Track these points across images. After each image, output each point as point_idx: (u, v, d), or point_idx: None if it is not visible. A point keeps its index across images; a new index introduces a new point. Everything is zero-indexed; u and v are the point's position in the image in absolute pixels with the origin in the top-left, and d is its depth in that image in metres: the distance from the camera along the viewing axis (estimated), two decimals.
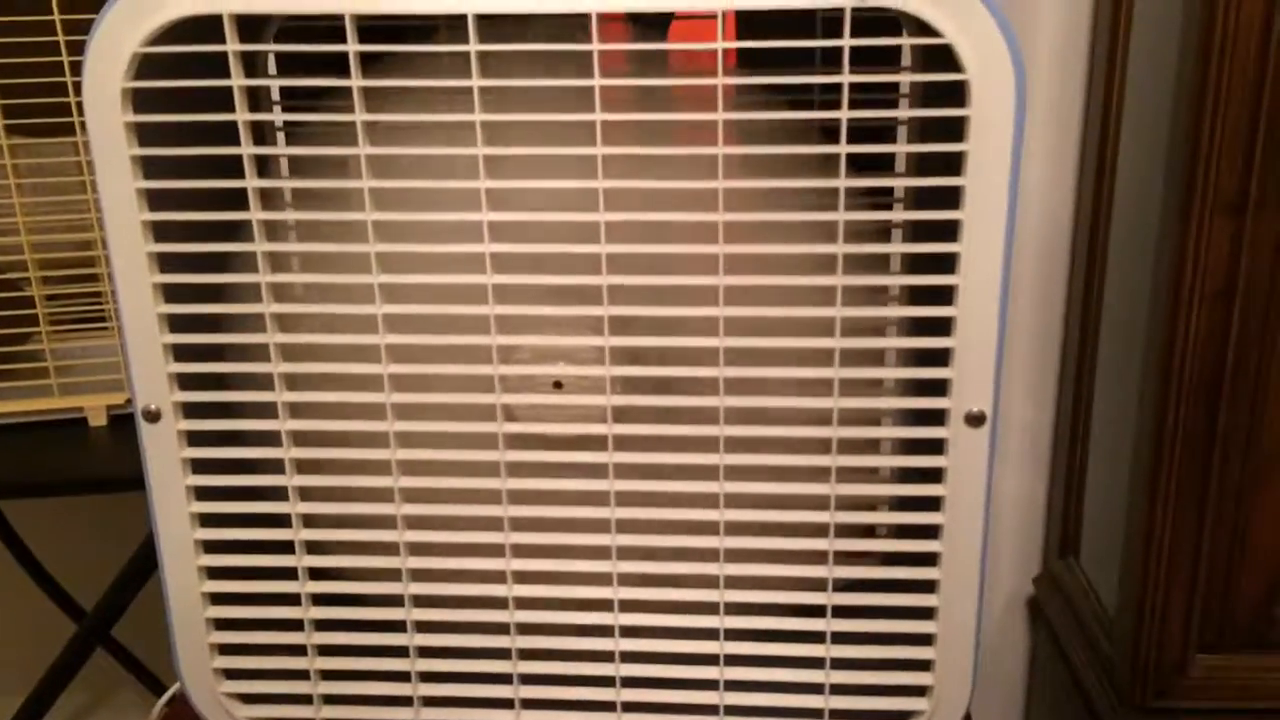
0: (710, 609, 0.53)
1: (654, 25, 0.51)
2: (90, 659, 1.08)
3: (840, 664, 0.53)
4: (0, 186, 0.84)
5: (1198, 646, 0.87)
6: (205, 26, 0.46)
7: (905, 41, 0.45)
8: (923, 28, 0.44)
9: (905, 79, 0.46)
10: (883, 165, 0.57)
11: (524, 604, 0.54)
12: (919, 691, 0.53)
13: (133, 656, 1.17)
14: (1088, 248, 0.98)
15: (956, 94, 0.45)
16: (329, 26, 0.46)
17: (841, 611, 0.52)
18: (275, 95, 0.56)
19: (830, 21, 0.45)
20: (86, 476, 0.80)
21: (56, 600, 1.14)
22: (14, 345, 0.86)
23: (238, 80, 0.47)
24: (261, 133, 0.50)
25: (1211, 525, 0.84)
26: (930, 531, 0.50)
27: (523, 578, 0.53)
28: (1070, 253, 1.03)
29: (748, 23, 0.45)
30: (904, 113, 0.47)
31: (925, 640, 0.52)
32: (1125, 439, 0.90)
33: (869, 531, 0.56)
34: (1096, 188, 0.96)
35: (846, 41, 0.44)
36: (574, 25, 0.47)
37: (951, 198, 0.46)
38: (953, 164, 0.46)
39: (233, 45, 0.46)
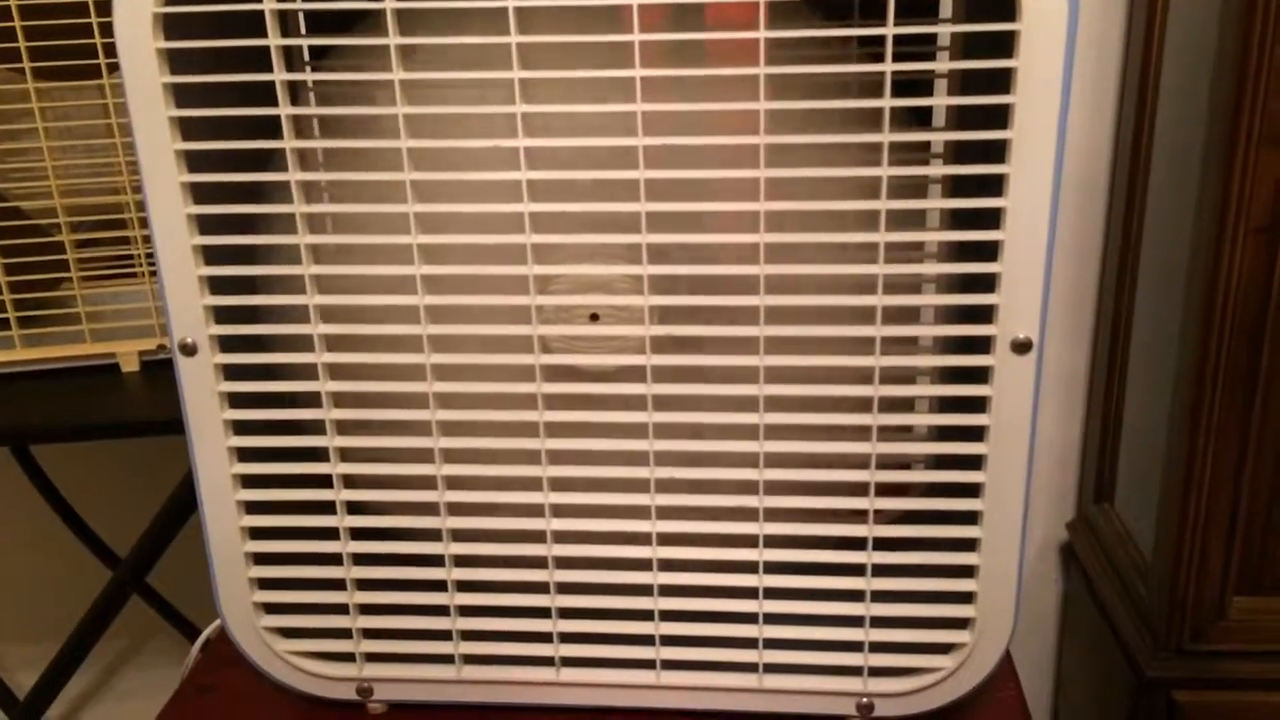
0: (750, 543, 0.52)
1: None
2: (126, 605, 1.09)
3: (881, 596, 0.52)
4: (28, 134, 0.84)
5: (1235, 589, 0.86)
6: None
7: None
8: None
9: (954, 28, 0.44)
10: (923, 112, 0.56)
11: (562, 538, 0.53)
12: (961, 624, 0.52)
13: (167, 603, 1.18)
14: (1127, 183, 0.96)
15: (1002, 9, 0.43)
16: None
17: (883, 544, 0.51)
18: (306, 55, 0.55)
19: None
20: (119, 420, 0.81)
21: (91, 546, 1.15)
22: (46, 292, 0.86)
23: (274, 40, 0.46)
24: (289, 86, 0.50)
25: (1252, 467, 0.83)
26: (974, 462, 0.49)
27: (560, 511, 0.53)
28: (1109, 188, 1.01)
29: None
30: (951, 27, 0.45)
31: (968, 572, 0.51)
32: (1164, 380, 0.89)
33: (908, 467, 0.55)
34: (1137, 120, 0.93)
35: None
36: None
37: (999, 117, 0.45)
38: (997, 83, 0.45)
39: (270, 4, 0.45)
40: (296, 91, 0.49)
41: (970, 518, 0.50)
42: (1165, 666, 0.87)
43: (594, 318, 0.51)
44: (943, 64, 0.47)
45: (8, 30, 0.79)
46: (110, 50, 0.80)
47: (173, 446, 1.11)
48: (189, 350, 0.51)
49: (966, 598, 0.51)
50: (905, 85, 0.46)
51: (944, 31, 0.52)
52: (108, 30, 0.80)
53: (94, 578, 1.17)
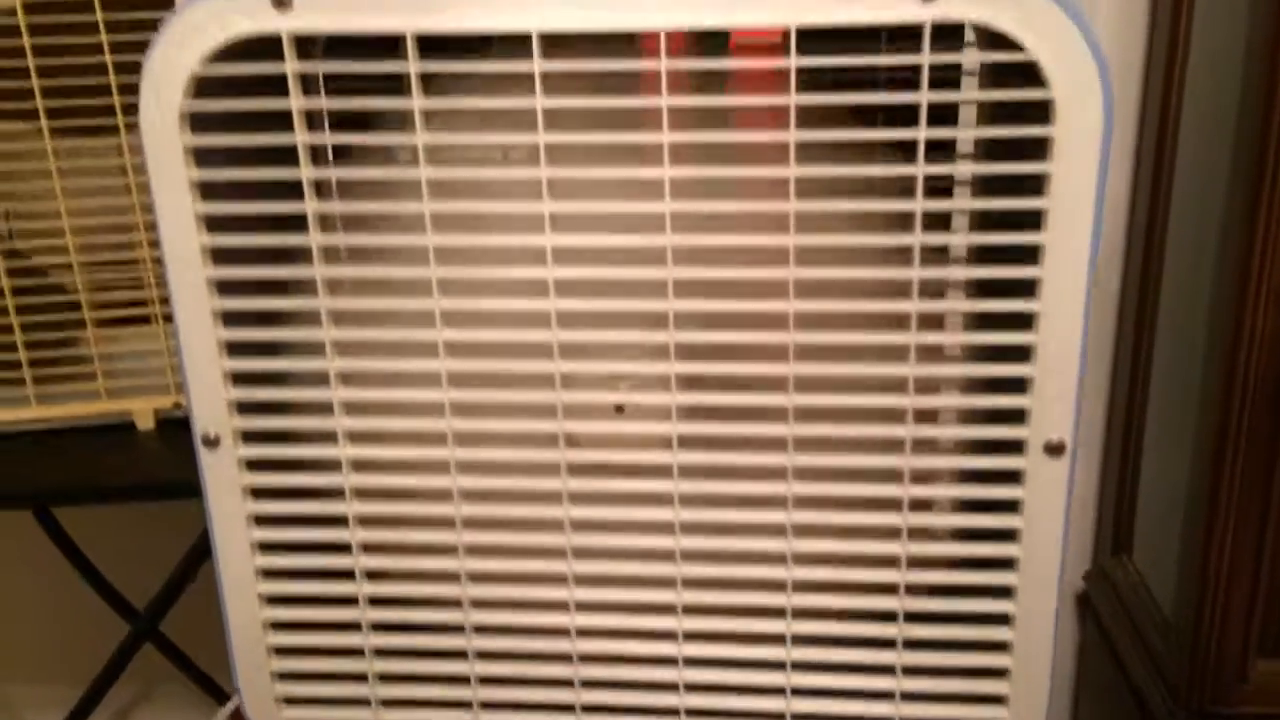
0: (778, 615, 0.52)
1: (714, 39, 0.49)
2: (138, 654, 1.09)
3: (910, 697, 0.51)
4: (40, 179, 0.84)
5: (1258, 652, 0.85)
6: (257, 46, 0.45)
7: (989, 57, 0.43)
8: (1000, 39, 0.42)
9: (990, 97, 0.44)
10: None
11: (585, 633, 0.53)
12: (996, 700, 0.51)
13: (179, 650, 1.17)
14: (1144, 240, 0.95)
15: (1034, 110, 0.43)
16: (373, 42, 0.45)
17: (912, 645, 0.51)
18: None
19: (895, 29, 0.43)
20: (137, 483, 0.80)
21: (107, 598, 1.14)
22: (59, 349, 0.86)
23: (297, 102, 0.46)
24: (312, 151, 0.49)
25: (1275, 529, 0.82)
26: (1006, 564, 0.49)
27: (584, 607, 0.52)
28: (1125, 246, 1.00)
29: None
30: (986, 132, 0.45)
31: (1000, 674, 0.51)
32: (1183, 437, 0.88)
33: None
34: (1154, 180, 0.93)
35: (925, 58, 0.43)
36: (620, 42, 0.45)
37: (1031, 220, 0.44)
38: (1024, 181, 0.44)
39: (292, 65, 0.45)
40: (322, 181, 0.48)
41: (1002, 619, 0.50)
42: None
43: (619, 409, 0.51)
44: (982, 167, 0.46)
45: (17, 84, 0.78)
46: (128, 110, 0.80)
47: (188, 501, 1.10)
48: (212, 443, 0.51)
49: (998, 700, 0.51)
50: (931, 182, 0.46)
51: (983, 99, 0.52)
52: (125, 89, 0.80)
53: (104, 626, 1.16)
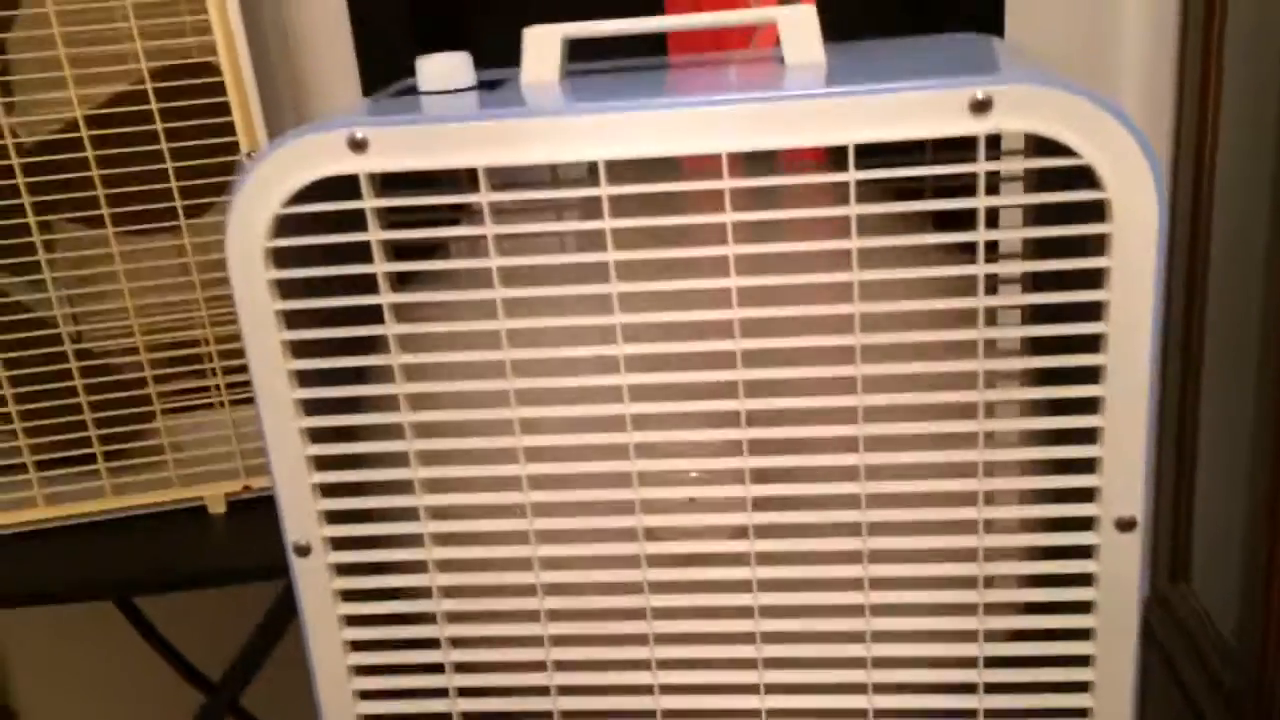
0: (860, 666, 0.53)
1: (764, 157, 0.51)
2: None
3: None
4: (107, 280, 0.87)
5: None
6: (328, 182, 0.48)
7: (1046, 163, 0.44)
8: (1048, 144, 0.44)
9: (1047, 199, 0.45)
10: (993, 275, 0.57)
11: (672, 715, 0.54)
12: None
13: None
14: (1187, 258, 0.96)
15: (1088, 210, 0.44)
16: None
17: (993, 715, 0.52)
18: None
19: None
20: (213, 568, 0.82)
21: (190, 679, 1.17)
22: (130, 441, 0.88)
23: (375, 234, 0.48)
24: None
25: None
26: (1082, 634, 0.50)
27: (669, 689, 0.54)
28: (1168, 264, 1.01)
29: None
30: (1045, 231, 0.46)
31: None
32: (1238, 459, 0.88)
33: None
34: (1194, 195, 0.93)
35: (981, 166, 0.44)
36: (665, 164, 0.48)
37: (1091, 310, 0.46)
38: (1081, 276, 0.46)
39: (370, 202, 0.47)
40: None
41: (1081, 687, 0.51)
42: None
43: (690, 501, 0.52)
44: (1046, 264, 0.47)
45: (81, 193, 0.81)
46: (189, 211, 0.83)
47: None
48: (303, 551, 0.53)
49: None
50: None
51: (1041, 200, 0.53)
52: (186, 192, 0.82)
53: (182, 703, 1.19)
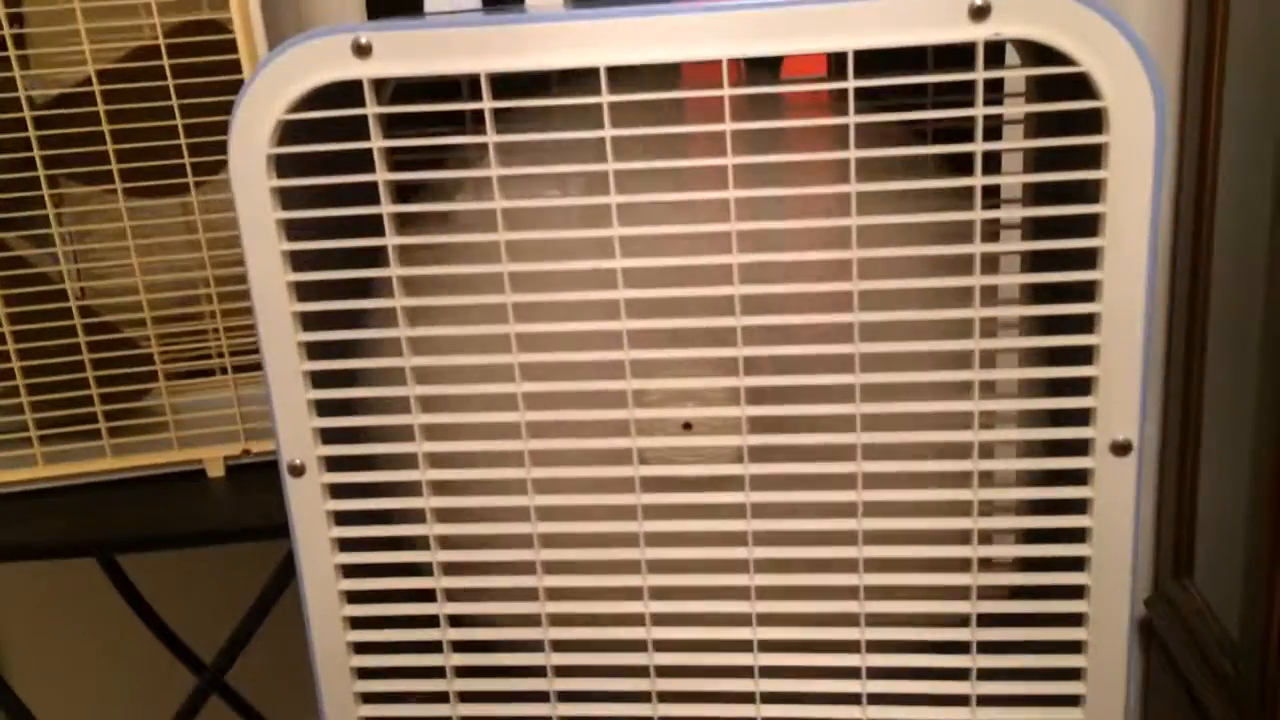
0: (852, 648, 0.52)
1: (765, 64, 0.52)
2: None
3: (986, 701, 0.52)
4: (113, 239, 0.87)
5: None
6: (337, 89, 0.48)
7: (1044, 71, 0.45)
8: (1048, 54, 0.44)
9: (1045, 108, 0.46)
10: (992, 193, 0.57)
11: (663, 646, 0.54)
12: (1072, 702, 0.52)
13: (243, 700, 1.19)
14: (1191, 248, 0.96)
15: (1086, 120, 0.44)
16: (440, 83, 0.48)
17: (986, 648, 0.51)
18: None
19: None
20: (209, 529, 0.82)
21: (173, 650, 1.16)
22: (131, 401, 0.89)
23: (378, 142, 0.48)
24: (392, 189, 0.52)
25: None
26: (1076, 564, 0.49)
27: (661, 620, 0.53)
28: (1171, 252, 1.01)
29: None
30: (1042, 142, 0.46)
31: (1074, 675, 0.51)
32: (1241, 453, 0.88)
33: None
34: (1199, 180, 0.94)
35: (979, 75, 0.44)
36: (671, 72, 0.48)
37: (1086, 225, 0.46)
38: (1079, 190, 0.46)
39: (372, 109, 0.48)
40: (401, 215, 0.51)
41: (1075, 620, 0.50)
42: None
43: (686, 427, 0.52)
44: (1041, 176, 0.48)
45: (88, 149, 0.82)
46: (198, 168, 0.83)
47: (247, 550, 1.13)
48: (297, 471, 0.53)
49: (1074, 700, 0.51)
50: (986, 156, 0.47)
51: (1037, 110, 0.54)
52: (195, 149, 0.83)
53: (172, 677, 1.18)
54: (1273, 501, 0.82)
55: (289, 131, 0.48)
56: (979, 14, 0.43)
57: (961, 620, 0.51)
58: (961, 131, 0.46)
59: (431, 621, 0.55)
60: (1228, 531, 0.94)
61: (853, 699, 0.53)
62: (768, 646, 0.53)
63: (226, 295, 0.87)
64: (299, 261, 0.50)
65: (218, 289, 0.87)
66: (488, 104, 0.47)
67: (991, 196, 0.56)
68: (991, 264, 0.49)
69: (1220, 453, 0.97)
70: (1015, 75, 0.45)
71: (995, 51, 0.45)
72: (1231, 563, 0.92)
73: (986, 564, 0.52)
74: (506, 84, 0.48)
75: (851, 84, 0.45)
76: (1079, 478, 0.49)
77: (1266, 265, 0.81)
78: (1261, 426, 0.83)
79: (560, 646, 0.54)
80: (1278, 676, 0.85)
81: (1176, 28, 0.91)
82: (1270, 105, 0.81)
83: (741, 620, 0.53)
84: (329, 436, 0.53)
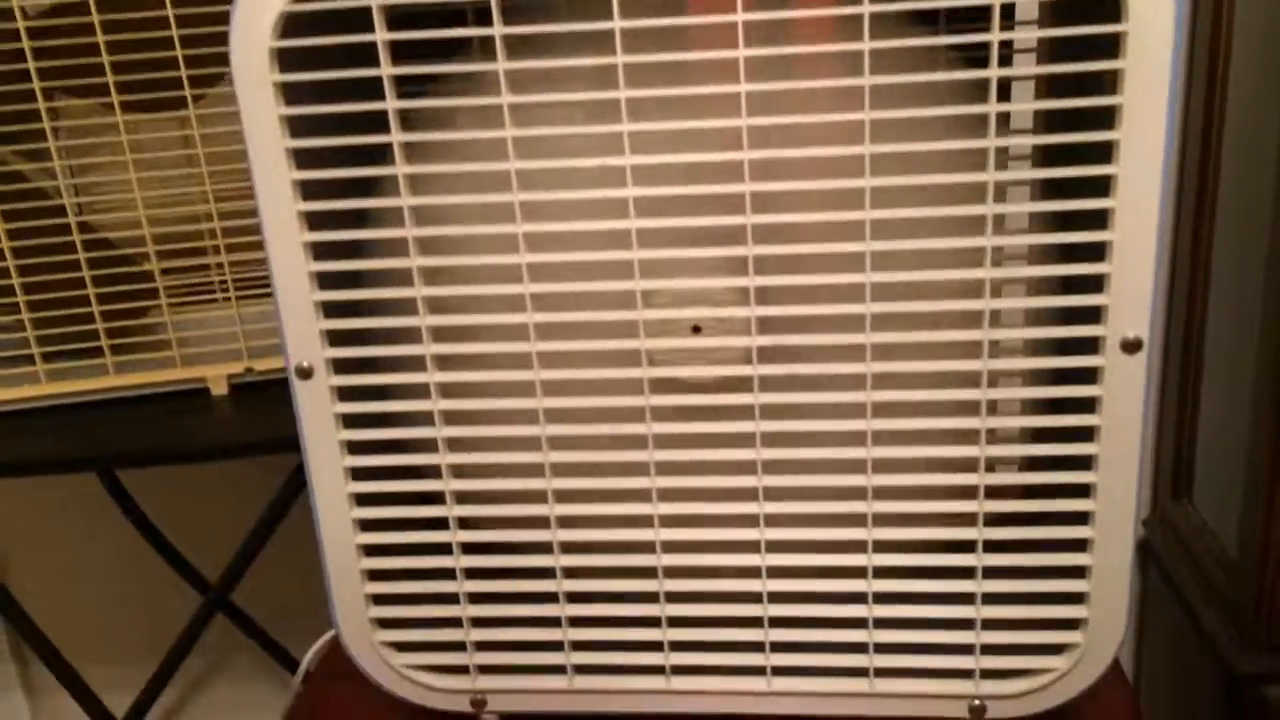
0: (859, 549, 0.53)
1: None
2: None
3: (992, 599, 0.52)
4: (109, 163, 0.86)
5: None
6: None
7: None
8: None
9: (1068, 32, 0.45)
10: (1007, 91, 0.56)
11: (671, 548, 0.54)
12: (1073, 625, 0.52)
13: (250, 619, 1.20)
14: (1199, 160, 0.95)
15: (1100, 11, 0.44)
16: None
17: (992, 547, 0.52)
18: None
19: None
20: (213, 444, 0.83)
21: (178, 568, 1.17)
22: (134, 319, 0.88)
23: (382, 35, 0.47)
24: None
25: None
26: (1084, 463, 0.50)
27: (669, 522, 0.54)
28: (1180, 166, 1.00)
29: None
30: (1056, 32, 0.46)
31: (1080, 573, 0.51)
32: (1241, 373, 0.88)
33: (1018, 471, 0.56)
34: (1207, 103, 0.93)
35: None
36: None
37: (1104, 117, 0.45)
38: (1091, 82, 0.45)
39: (381, 36, 0.47)
40: (405, 115, 0.50)
41: (1082, 518, 0.50)
42: (1256, 662, 0.86)
43: (695, 330, 0.52)
44: (1046, 67, 0.47)
45: (83, 60, 0.81)
46: (194, 81, 0.82)
47: (250, 470, 1.14)
48: (305, 374, 0.53)
49: (1078, 598, 0.52)
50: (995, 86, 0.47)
51: (1044, 35, 0.53)
52: (191, 62, 0.82)
53: (176, 596, 1.19)
54: (1272, 421, 0.82)
55: (291, 24, 0.47)
56: None
57: (969, 520, 0.51)
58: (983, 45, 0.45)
59: (441, 524, 0.55)
60: (1227, 453, 0.94)
61: (859, 598, 0.53)
62: (775, 548, 0.53)
63: (228, 214, 0.87)
64: (303, 160, 0.50)
65: (218, 207, 0.86)
66: (499, 30, 0.46)
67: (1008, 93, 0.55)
68: (1006, 165, 0.49)
69: (1221, 379, 0.97)
70: None
71: None
72: (1230, 483, 0.93)
73: (993, 466, 0.52)
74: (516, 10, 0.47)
75: (867, 9, 0.44)
76: (1089, 376, 0.48)
77: (1272, 197, 0.81)
78: (1264, 348, 0.83)
79: (569, 548, 0.55)
80: (1273, 590, 0.86)
81: None
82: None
83: (749, 521, 0.53)
84: (336, 338, 0.52)
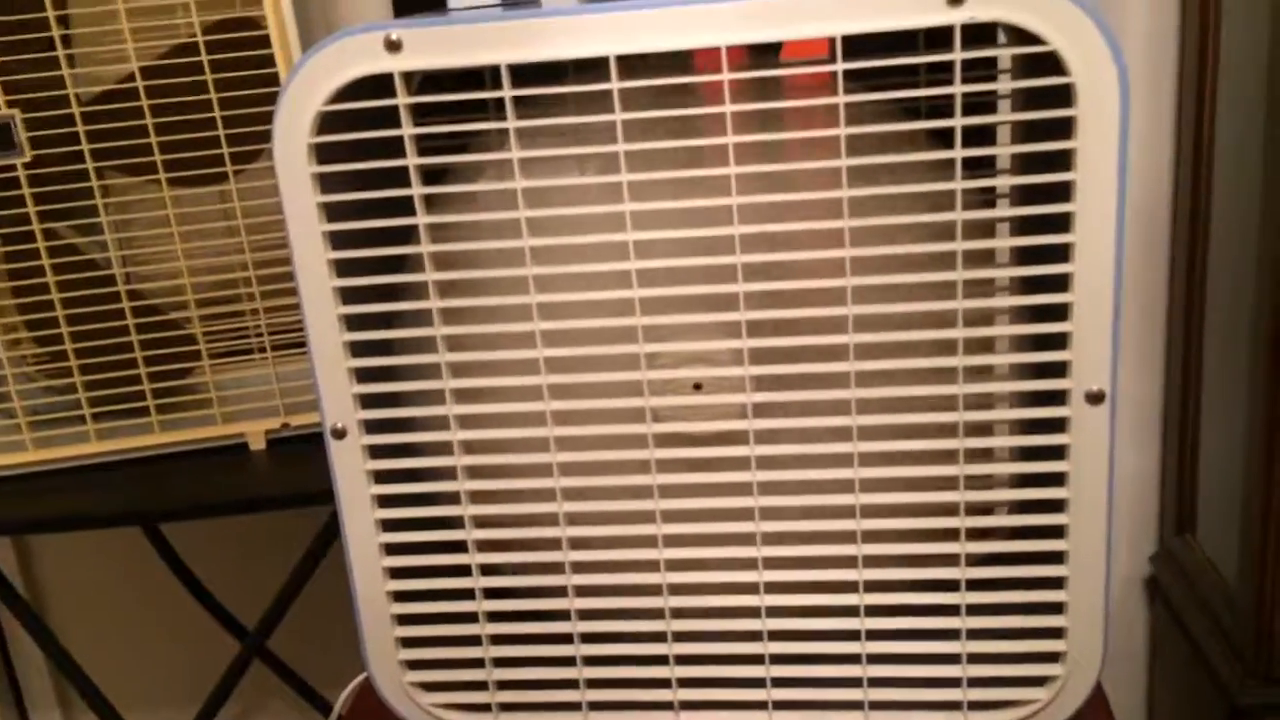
0: (851, 589, 0.57)
1: (767, 49, 0.56)
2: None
3: (976, 634, 0.56)
4: (157, 226, 0.93)
5: None
6: (369, 84, 0.53)
7: (1015, 50, 0.49)
8: (1026, 36, 0.48)
9: (1016, 85, 0.50)
10: (985, 164, 0.61)
11: (676, 589, 0.58)
12: (1053, 658, 0.56)
13: (284, 664, 1.25)
14: (1189, 217, 0.99)
15: (1059, 95, 0.48)
16: (462, 73, 0.53)
17: (975, 585, 0.55)
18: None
19: (933, 32, 0.49)
20: (253, 496, 0.88)
21: (216, 616, 1.22)
22: (177, 380, 0.94)
23: (408, 129, 0.53)
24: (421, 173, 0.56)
25: None
26: (1057, 506, 0.54)
27: (674, 565, 0.58)
28: (1171, 223, 1.04)
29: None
30: (1015, 117, 0.51)
31: (1057, 609, 0.55)
32: (1239, 410, 0.91)
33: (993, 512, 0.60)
34: (1195, 156, 0.97)
35: (957, 55, 0.48)
36: (680, 60, 0.52)
37: (1061, 192, 0.50)
38: (1056, 160, 0.50)
39: (403, 99, 0.52)
40: (430, 197, 0.55)
41: (1057, 557, 0.54)
42: (1256, 694, 0.89)
43: (697, 387, 0.57)
44: (1014, 148, 0.52)
45: (131, 142, 0.87)
46: (235, 158, 0.88)
47: (286, 521, 1.19)
48: (339, 434, 0.58)
49: (1057, 633, 0.55)
50: (970, 137, 0.51)
51: (1012, 87, 0.58)
52: (233, 140, 0.88)
53: (215, 642, 1.24)
54: (1265, 456, 0.85)
55: (327, 122, 0.53)
56: (955, 0, 0.47)
57: (952, 560, 0.56)
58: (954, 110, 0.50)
59: (465, 571, 0.59)
60: (1228, 489, 0.97)
61: (851, 635, 0.57)
62: (773, 588, 0.58)
63: (264, 279, 0.93)
64: (338, 241, 0.55)
65: (256, 273, 0.92)
66: (508, 92, 0.51)
67: (986, 167, 0.60)
68: (981, 231, 0.53)
69: (1220, 415, 1.00)
70: (988, 55, 0.48)
71: (988, 32, 0.49)
72: (1230, 518, 0.96)
73: (979, 510, 0.56)
74: (525, 74, 0.52)
75: (840, 66, 0.49)
76: (1058, 426, 0.53)
77: (1259, 237, 0.85)
78: (1256, 391, 0.86)
79: (583, 591, 0.59)
80: (1271, 626, 0.88)
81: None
82: (1261, 57, 0.83)
83: (749, 563, 0.57)
84: (368, 402, 0.57)
